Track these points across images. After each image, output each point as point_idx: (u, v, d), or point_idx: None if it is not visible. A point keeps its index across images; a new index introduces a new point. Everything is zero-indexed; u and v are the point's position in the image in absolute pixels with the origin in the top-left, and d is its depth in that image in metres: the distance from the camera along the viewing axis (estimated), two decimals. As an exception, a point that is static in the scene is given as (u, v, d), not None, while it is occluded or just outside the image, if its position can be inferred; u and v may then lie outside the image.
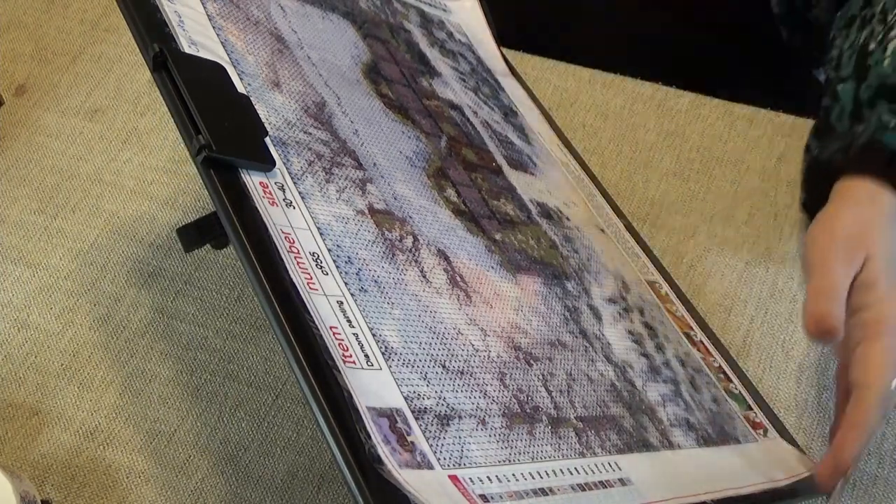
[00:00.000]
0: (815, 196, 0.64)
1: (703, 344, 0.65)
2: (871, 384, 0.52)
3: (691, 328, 0.65)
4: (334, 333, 0.44)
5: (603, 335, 0.58)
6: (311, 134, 0.53)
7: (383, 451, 0.40)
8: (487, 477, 0.44)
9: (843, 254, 0.55)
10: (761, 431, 0.60)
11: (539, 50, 0.83)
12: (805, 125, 0.75)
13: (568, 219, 0.66)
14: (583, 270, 0.62)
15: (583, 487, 0.47)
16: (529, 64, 0.83)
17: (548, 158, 0.71)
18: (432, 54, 0.70)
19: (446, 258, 0.54)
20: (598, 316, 0.59)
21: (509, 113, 0.72)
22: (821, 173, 0.62)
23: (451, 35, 0.75)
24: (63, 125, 0.80)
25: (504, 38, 0.82)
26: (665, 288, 0.67)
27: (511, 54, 0.83)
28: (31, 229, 0.74)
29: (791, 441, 0.61)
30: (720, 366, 0.64)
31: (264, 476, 0.61)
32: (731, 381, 0.63)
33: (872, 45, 0.65)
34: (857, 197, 0.58)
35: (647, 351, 0.60)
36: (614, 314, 0.61)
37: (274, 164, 0.49)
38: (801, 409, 0.64)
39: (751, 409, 0.62)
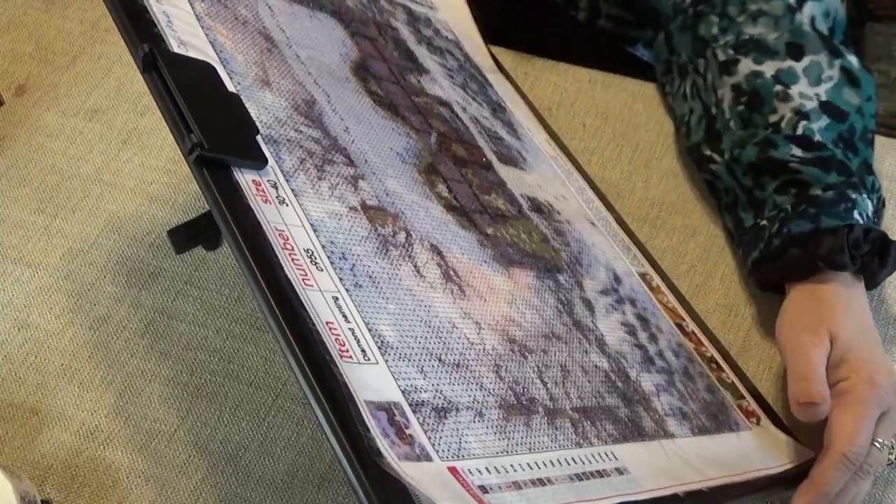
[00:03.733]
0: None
1: (694, 334, 0.65)
2: (833, 445, 0.55)
3: (683, 319, 0.66)
4: (330, 329, 0.44)
5: (596, 327, 0.58)
6: (301, 132, 0.53)
7: (382, 444, 0.40)
8: (486, 468, 0.44)
9: (813, 338, 0.59)
10: (754, 420, 0.60)
11: (539, 50, 0.83)
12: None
13: (559, 213, 0.66)
14: (574, 263, 0.62)
15: (581, 477, 0.47)
16: (529, 64, 0.83)
17: (537, 153, 0.71)
18: (420, 51, 0.70)
19: (439, 253, 0.54)
20: (590, 308, 0.60)
21: (497, 109, 0.72)
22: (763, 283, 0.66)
23: (437, 32, 0.75)
24: (63, 125, 0.80)
25: (504, 38, 0.82)
26: (656, 280, 0.68)
27: (511, 54, 0.83)
28: (31, 229, 0.74)
29: (784, 428, 0.61)
30: (712, 356, 0.64)
31: (264, 476, 0.61)
32: (722, 370, 0.63)
33: (713, 110, 0.67)
34: (807, 289, 0.62)
35: (641, 342, 0.60)
36: (607, 306, 0.61)
37: (266, 161, 0.49)
38: (801, 409, 0.64)
39: (743, 398, 0.62)
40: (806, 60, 0.63)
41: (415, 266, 0.51)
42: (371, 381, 0.43)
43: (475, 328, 0.51)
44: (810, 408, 0.56)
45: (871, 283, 0.63)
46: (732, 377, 0.63)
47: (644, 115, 0.80)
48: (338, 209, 0.51)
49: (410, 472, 0.40)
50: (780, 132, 0.63)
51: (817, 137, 0.62)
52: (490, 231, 0.59)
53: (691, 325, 0.66)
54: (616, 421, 0.53)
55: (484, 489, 0.43)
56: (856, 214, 0.61)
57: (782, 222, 0.62)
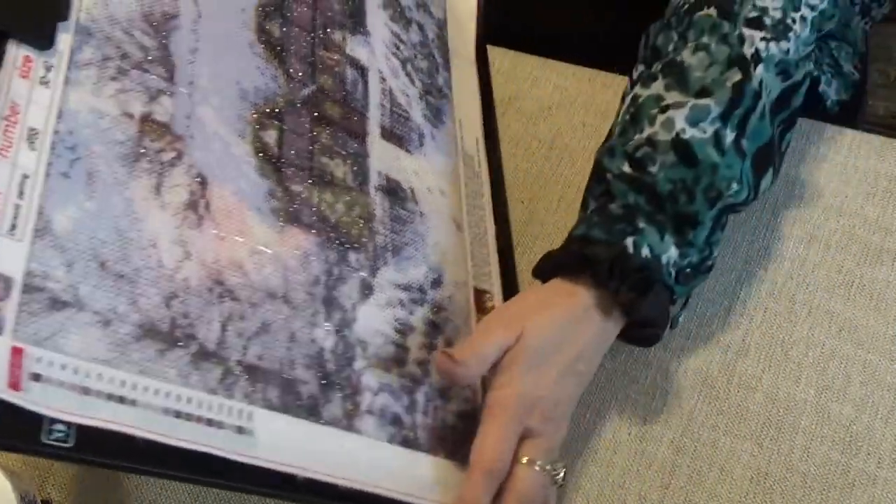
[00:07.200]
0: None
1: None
2: (475, 463, 0.54)
3: None
4: None
5: (354, 309, 0.57)
6: (132, 36, 0.53)
7: None
8: (63, 364, 0.43)
9: (505, 322, 0.57)
10: None
11: (539, 50, 0.83)
12: (804, 124, 0.75)
13: (416, 202, 0.64)
14: (386, 251, 0.60)
15: (180, 415, 0.46)
16: (530, 64, 0.83)
17: (446, 145, 0.70)
18: (375, 14, 0.69)
19: (203, 183, 0.53)
20: (366, 293, 0.58)
21: (434, 92, 0.71)
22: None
23: (423, 5, 0.74)
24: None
25: (505, 37, 0.82)
26: (496, 302, 0.65)
27: (511, 54, 0.83)
28: (32, 229, 0.74)
29: None
30: None
31: (264, 476, 0.61)
32: None
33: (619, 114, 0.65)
34: (557, 289, 0.60)
35: (406, 344, 0.58)
36: (392, 299, 0.59)
37: (49, 46, 0.49)
38: (800, 409, 0.64)
39: None
40: (702, 102, 0.60)
41: (157, 183, 0.51)
42: None
43: (180, 256, 0.50)
44: (447, 360, 0.55)
45: (630, 314, 0.60)
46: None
47: (644, 114, 0.80)
48: (107, 109, 0.51)
49: None
50: (625, 146, 0.61)
51: (651, 168, 0.60)
52: (297, 189, 0.57)
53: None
54: (288, 392, 0.51)
55: (37, 377, 0.42)
56: (630, 241, 0.58)
57: (578, 222, 0.61)
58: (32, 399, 0.41)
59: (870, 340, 0.66)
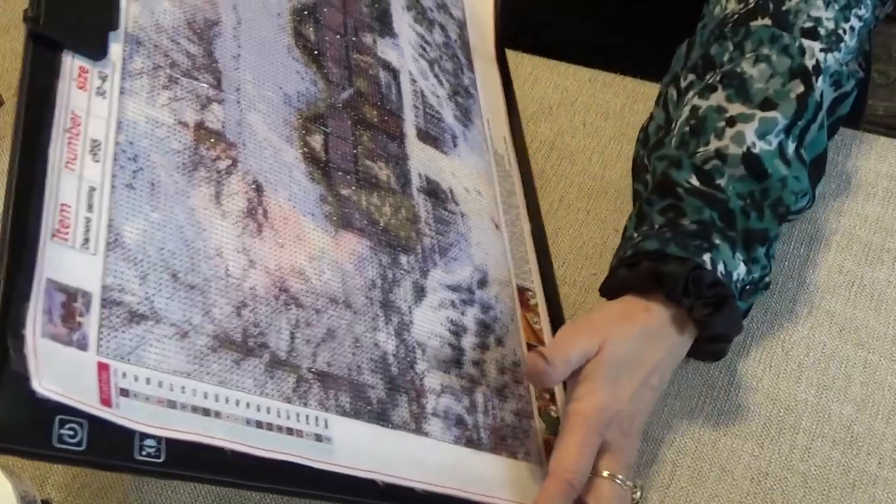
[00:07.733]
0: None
1: None
2: (554, 472, 0.54)
3: (543, 343, 0.64)
4: (62, 210, 0.44)
5: (410, 312, 0.57)
6: (178, 44, 0.53)
7: (35, 317, 0.40)
8: (147, 378, 0.43)
9: (588, 331, 0.58)
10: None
11: (540, 50, 0.83)
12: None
13: (457, 203, 0.65)
14: (434, 252, 0.61)
15: (261, 425, 0.46)
16: (530, 64, 0.83)
17: (477, 145, 0.70)
18: (400, 16, 0.69)
19: (259, 190, 0.53)
20: (420, 295, 0.58)
21: (462, 92, 0.71)
22: (611, 285, 0.63)
23: (442, 5, 0.74)
24: (64, 125, 0.80)
25: (505, 37, 0.82)
26: (538, 300, 0.66)
27: (512, 54, 0.83)
28: (32, 229, 0.74)
29: None
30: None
31: (264, 476, 0.61)
32: (554, 402, 0.62)
33: (673, 125, 0.65)
34: (633, 303, 0.60)
35: (461, 345, 0.59)
36: (445, 300, 0.60)
37: (103, 56, 0.49)
38: (801, 409, 0.64)
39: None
40: (769, 114, 0.61)
41: (216, 192, 0.51)
42: (70, 266, 0.43)
43: (244, 264, 0.50)
44: (541, 359, 0.55)
45: (704, 330, 0.60)
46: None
47: (644, 113, 0.79)
48: (162, 118, 0.50)
49: (43, 349, 0.39)
50: (692, 158, 0.61)
51: (719, 181, 0.60)
52: (345, 192, 0.58)
53: None
54: (358, 398, 0.51)
55: (125, 392, 0.42)
56: (707, 258, 0.59)
57: (644, 237, 0.61)
58: (125, 415, 0.41)
59: (870, 340, 0.66)
